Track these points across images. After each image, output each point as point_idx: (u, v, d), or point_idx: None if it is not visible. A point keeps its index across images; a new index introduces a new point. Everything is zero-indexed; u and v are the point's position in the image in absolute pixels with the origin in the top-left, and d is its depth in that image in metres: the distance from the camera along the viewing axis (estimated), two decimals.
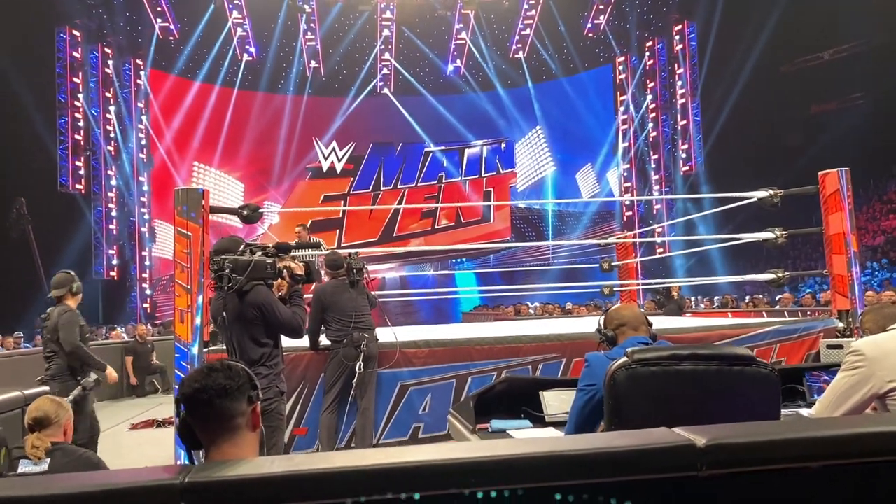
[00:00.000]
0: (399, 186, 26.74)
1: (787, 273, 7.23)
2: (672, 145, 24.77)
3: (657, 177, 24.87)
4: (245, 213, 6.08)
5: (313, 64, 25.09)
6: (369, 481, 1.32)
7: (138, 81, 23.34)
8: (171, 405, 6.49)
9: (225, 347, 4.31)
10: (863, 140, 20.01)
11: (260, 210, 6.23)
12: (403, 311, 21.94)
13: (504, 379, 3.52)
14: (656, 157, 25.01)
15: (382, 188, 26.61)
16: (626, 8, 25.01)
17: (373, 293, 6.20)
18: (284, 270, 4.09)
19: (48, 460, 2.93)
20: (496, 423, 3.24)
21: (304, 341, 5.48)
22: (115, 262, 22.20)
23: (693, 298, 17.37)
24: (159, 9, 22.59)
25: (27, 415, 3.09)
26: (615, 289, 10.72)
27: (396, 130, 26.62)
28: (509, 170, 27.22)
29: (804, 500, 1.46)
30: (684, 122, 24.16)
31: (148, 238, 23.28)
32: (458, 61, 26.12)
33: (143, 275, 23.08)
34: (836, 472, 1.45)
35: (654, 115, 25.08)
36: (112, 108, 22.51)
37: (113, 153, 22.45)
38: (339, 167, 26.47)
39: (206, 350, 5.43)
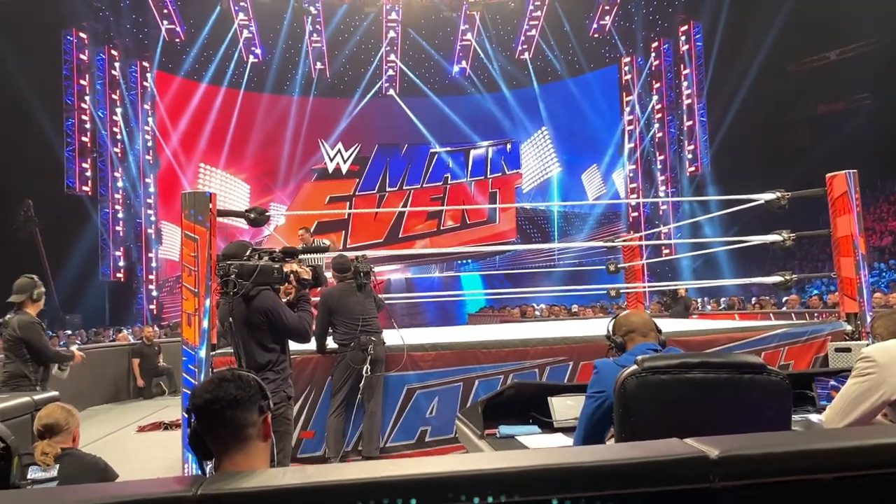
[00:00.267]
0: (404, 187, 26.76)
1: (794, 276, 7.19)
2: (678, 146, 24.72)
3: (663, 177, 24.82)
4: (252, 216, 6.07)
5: (319, 65, 25.13)
6: (381, 493, 1.32)
7: (145, 83, 23.41)
8: (178, 407, 6.51)
9: (232, 350, 4.31)
10: (870, 140, 19.96)
11: (267, 213, 6.22)
12: (409, 313, 21.93)
13: (512, 384, 3.51)
14: (662, 157, 24.96)
15: (388, 189, 26.62)
16: (632, 8, 24.99)
17: (380, 296, 6.21)
18: (291, 275, 4.09)
19: (57, 466, 2.94)
20: (504, 429, 3.23)
21: (311, 344, 5.47)
22: (121, 263, 22.27)
23: (700, 300, 17.31)
24: (165, 11, 22.68)
25: (37, 421, 3.10)
26: (622, 290, 10.69)
27: (402, 131, 26.64)
28: (515, 171, 27.22)
29: None
30: (690, 122, 24.11)
31: (154, 239, 23.34)
32: (464, 62, 26.13)
33: (150, 276, 23.15)
34: (850, 484, 1.43)
35: (659, 115, 25.03)
36: (118, 110, 22.59)
37: (119, 155, 22.52)
38: (344, 168, 26.49)
39: (213, 353, 5.43)
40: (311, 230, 9.76)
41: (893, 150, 20.26)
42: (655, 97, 25.07)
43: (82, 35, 21.47)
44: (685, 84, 24.25)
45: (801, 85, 23.40)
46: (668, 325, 7.63)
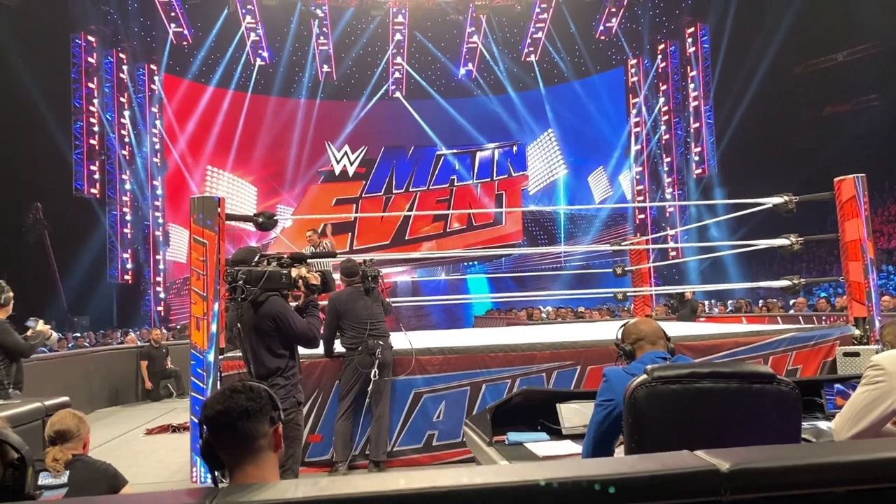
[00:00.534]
0: (411, 190, 26.78)
1: (802, 280, 7.17)
2: (685, 148, 24.67)
3: (670, 180, 24.77)
4: (260, 220, 6.11)
5: (326, 68, 25.18)
6: None
7: (152, 86, 23.48)
8: (186, 409, 6.54)
9: (241, 354, 4.33)
10: (877, 142, 19.89)
11: (275, 217, 6.26)
12: (415, 315, 21.97)
13: (521, 391, 3.51)
14: (669, 159, 24.91)
15: (394, 191, 26.66)
16: (639, 11, 24.96)
17: (387, 300, 6.22)
18: (300, 280, 4.09)
19: (67, 473, 2.96)
20: (513, 436, 3.24)
21: (319, 348, 5.48)
22: (129, 265, 22.33)
23: (707, 302, 17.28)
24: (173, 14, 22.76)
25: (49, 427, 3.12)
26: (628, 293, 10.69)
27: (408, 134, 26.67)
28: (521, 173, 27.20)
29: None
30: (697, 124, 24.06)
31: (162, 242, 23.42)
32: (470, 65, 26.14)
33: (157, 278, 23.21)
34: (862, 498, 1.43)
35: (666, 117, 24.98)
36: (126, 113, 22.66)
37: (127, 157, 22.60)
38: (351, 171, 26.54)
39: (221, 357, 5.46)
40: (319, 231, 9.74)
41: None
42: (662, 99, 25.03)
43: (90, 38, 21.55)
44: (692, 86, 24.21)
45: (808, 86, 23.34)
46: (675, 328, 7.62)
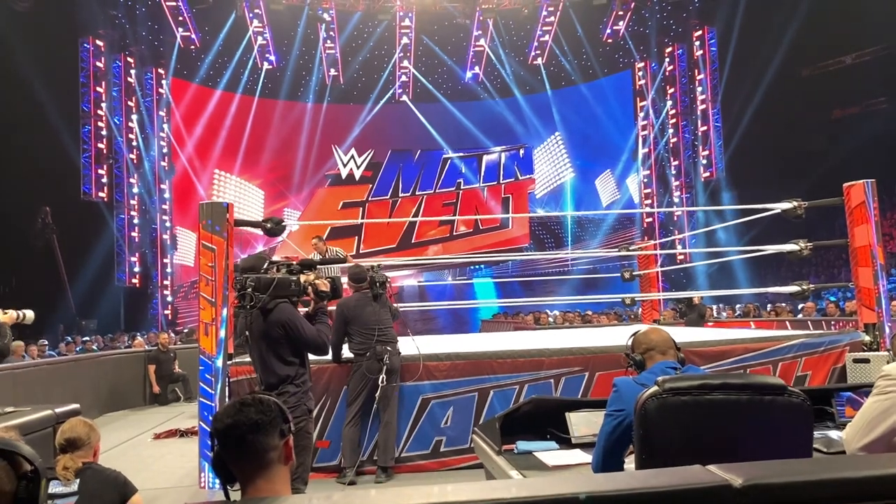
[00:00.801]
0: (417, 193, 26.81)
1: (811, 285, 7.14)
2: (692, 151, 24.63)
3: (678, 183, 24.73)
4: (269, 226, 6.13)
5: (332, 72, 25.25)
6: None
7: (160, 90, 23.59)
8: (194, 413, 6.55)
9: (251, 362, 4.32)
10: (886, 144, 19.80)
11: (283, 224, 6.27)
12: (422, 318, 21.98)
13: (530, 399, 3.51)
14: (677, 163, 24.87)
15: (401, 195, 26.68)
16: (646, 14, 24.94)
17: (395, 305, 6.23)
18: (309, 287, 4.09)
19: (78, 481, 2.96)
20: (522, 445, 3.23)
21: (327, 354, 5.49)
22: (136, 269, 22.42)
23: (714, 307, 17.22)
24: (181, 18, 22.85)
25: (59, 435, 3.12)
26: (636, 298, 10.65)
27: (415, 137, 26.71)
28: (528, 176, 27.20)
29: None
30: (705, 127, 24.02)
31: (169, 245, 23.50)
32: (477, 68, 26.16)
33: (165, 282, 23.29)
34: None
35: (674, 120, 24.95)
36: (134, 117, 22.78)
37: (135, 161, 22.70)
38: (357, 174, 26.58)
39: (229, 363, 5.47)
40: (324, 237, 9.78)
41: None
42: (670, 102, 25.00)
43: (99, 43, 21.67)
44: (699, 89, 24.18)
45: (817, 89, 23.25)
46: (683, 333, 7.60)
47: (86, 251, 20.50)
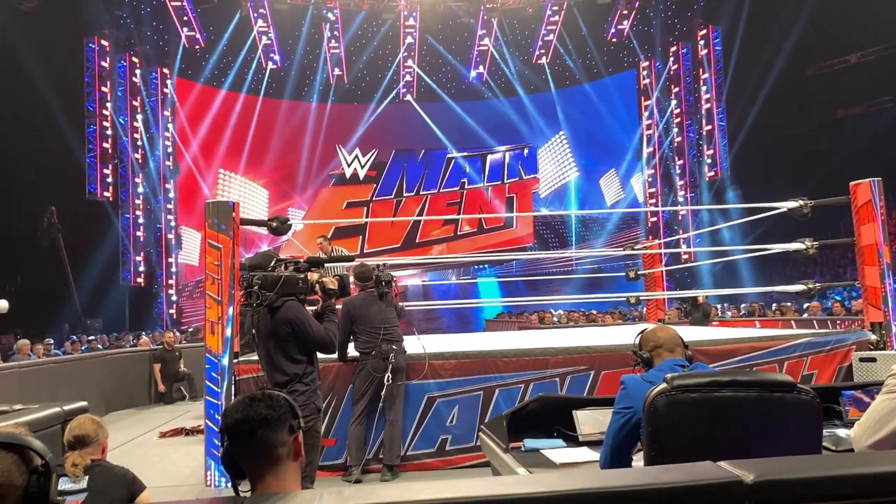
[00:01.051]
0: (421, 193, 26.81)
1: (817, 284, 7.12)
2: (697, 150, 24.59)
3: (682, 182, 24.69)
4: (275, 225, 6.14)
5: (337, 71, 25.25)
6: None
7: (165, 90, 23.62)
8: (200, 412, 6.56)
9: (256, 357, 4.32)
10: (891, 143, 19.73)
11: (289, 223, 6.28)
12: (426, 318, 21.96)
13: (537, 398, 3.50)
14: (681, 162, 24.83)
15: (405, 195, 26.69)
16: (650, 13, 24.91)
17: (400, 304, 6.23)
18: (317, 285, 4.08)
19: (86, 478, 2.97)
20: (529, 443, 3.23)
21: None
22: (142, 268, 22.46)
23: (720, 306, 17.19)
24: (186, 18, 22.90)
25: (68, 432, 3.13)
26: (641, 298, 10.63)
27: (419, 137, 26.70)
28: (532, 176, 27.17)
29: None
30: (709, 126, 23.98)
31: (174, 245, 23.53)
32: (481, 67, 26.15)
33: (170, 281, 23.33)
34: None
35: (678, 120, 24.91)
36: (139, 117, 22.81)
37: (140, 161, 22.74)
38: (361, 174, 26.59)
39: (236, 361, 5.48)
40: (329, 237, 9.78)
41: None
42: (674, 101, 24.96)
43: (104, 42, 21.71)
44: (704, 88, 24.14)
45: (822, 88, 23.20)
46: (688, 332, 7.58)
47: (91, 250, 20.54)
